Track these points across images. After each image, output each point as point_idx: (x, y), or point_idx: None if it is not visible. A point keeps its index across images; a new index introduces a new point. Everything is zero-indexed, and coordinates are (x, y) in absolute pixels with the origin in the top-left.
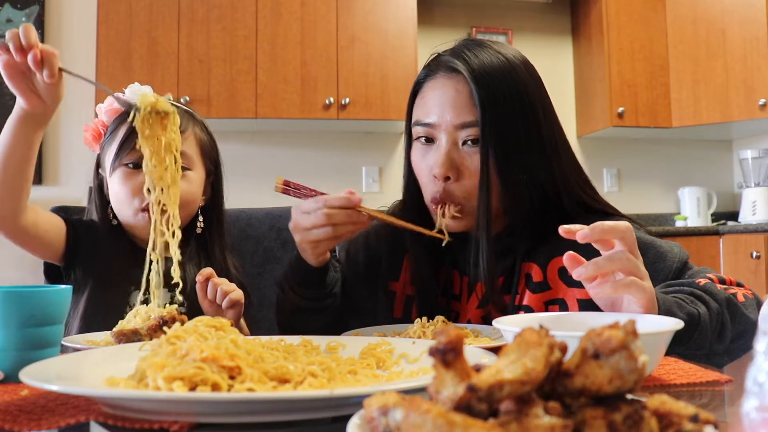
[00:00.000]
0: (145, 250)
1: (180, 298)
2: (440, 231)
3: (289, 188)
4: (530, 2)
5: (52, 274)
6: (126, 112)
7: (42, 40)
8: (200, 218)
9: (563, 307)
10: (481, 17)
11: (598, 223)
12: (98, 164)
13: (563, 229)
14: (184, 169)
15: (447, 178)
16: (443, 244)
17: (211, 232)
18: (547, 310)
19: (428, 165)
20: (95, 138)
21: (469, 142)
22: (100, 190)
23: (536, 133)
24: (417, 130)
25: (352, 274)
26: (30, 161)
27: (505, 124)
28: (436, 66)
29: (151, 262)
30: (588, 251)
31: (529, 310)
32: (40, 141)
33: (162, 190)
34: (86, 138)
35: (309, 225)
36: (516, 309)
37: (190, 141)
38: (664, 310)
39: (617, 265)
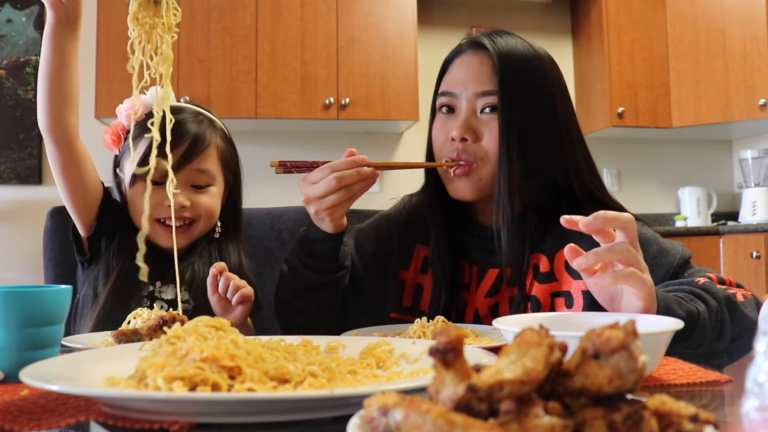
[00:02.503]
0: (163, 251)
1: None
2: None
3: (288, 167)
4: (530, 2)
5: (78, 242)
6: (146, 120)
7: (42, 40)
8: (218, 224)
9: (569, 299)
10: (481, 17)
11: (601, 212)
12: (116, 164)
13: (565, 219)
14: (206, 186)
15: (464, 140)
16: (452, 172)
17: (227, 234)
18: (553, 301)
19: (447, 130)
20: (114, 142)
21: (487, 109)
22: (117, 189)
23: (552, 117)
24: (441, 100)
25: (360, 263)
26: (66, 69)
27: (523, 99)
28: (465, 45)
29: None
30: (594, 244)
31: (535, 300)
32: (76, 54)
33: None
34: (105, 140)
35: (322, 193)
36: (524, 299)
37: (213, 157)
38: (663, 307)
39: (617, 255)
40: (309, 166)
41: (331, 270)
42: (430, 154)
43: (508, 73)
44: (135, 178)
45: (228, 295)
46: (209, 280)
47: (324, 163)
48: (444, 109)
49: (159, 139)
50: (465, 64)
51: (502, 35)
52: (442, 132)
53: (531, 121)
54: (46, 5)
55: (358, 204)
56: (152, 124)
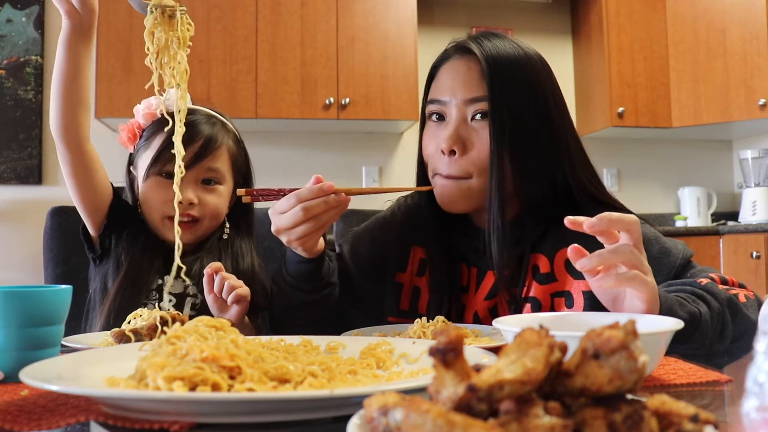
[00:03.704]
0: (173, 246)
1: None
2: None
3: (255, 195)
4: (530, 2)
5: (88, 241)
6: (161, 119)
7: (42, 40)
8: (227, 225)
9: (569, 299)
10: (481, 17)
11: (606, 213)
12: (130, 162)
13: (569, 220)
14: (215, 183)
15: (452, 153)
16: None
17: (239, 233)
18: (553, 301)
19: (437, 141)
20: (130, 140)
21: (478, 116)
22: (131, 187)
23: (546, 118)
24: (430, 108)
25: (356, 269)
26: (80, 75)
27: (515, 102)
28: (452, 50)
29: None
30: (595, 244)
31: (535, 301)
32: (89, 60)
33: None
34: (121, 138)
35: (290, 224)
36: (523, 300)
37: (224, 157)
38: (666, 308)
39: (621, 257)
40: (276, 194)
41: (315, 289)
42: (420, 164)
43: (497, 78)
44: (148, 173)
45: (223, 295)
46: (204, 279)
47: (291, 190)
48: (434, 117)
49: (183, 152)
50: (452, 70)
51: (489, 38)
52: (432, 141)
53: (523, 124)
54: (62, 13)
55: (357, 204)
56: (171, 128)
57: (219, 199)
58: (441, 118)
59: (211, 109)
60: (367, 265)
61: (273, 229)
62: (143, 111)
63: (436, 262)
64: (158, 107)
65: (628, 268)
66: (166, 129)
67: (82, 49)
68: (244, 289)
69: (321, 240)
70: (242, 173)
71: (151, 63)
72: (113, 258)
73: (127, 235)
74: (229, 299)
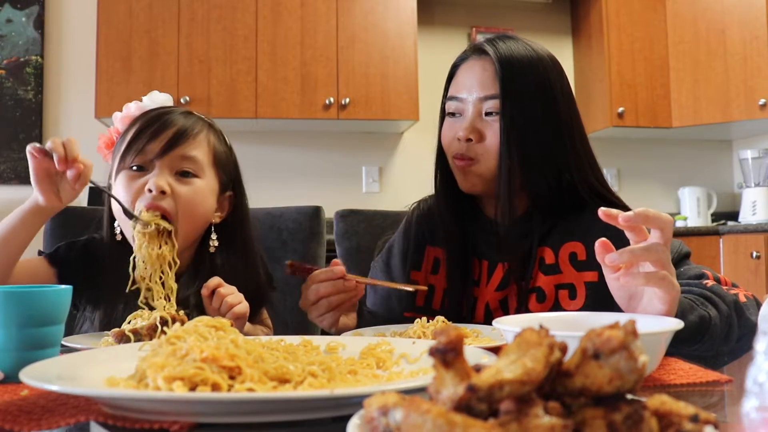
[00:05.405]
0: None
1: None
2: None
3: (295, 269)
4: (530, 2)
5: None
6: (136, 119)
7: (42, 40)
8: (213, 236)
9: (572, 291)
10: (481, 17)
11: (643, 209)
12: (110, 176)
13: (603, 212)
14: (190, 175)
15: (469, 140)
16: (415, 290)
17: (231, 248)
18: (557, 293)
19: (454, 131)
20: (107, 146)
21: (491, 113)
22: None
23: (554, 116)
24: (449, 105)
25: (390, 280)
26: (26, 245)
27: (525, 100)
28: (470, 51)
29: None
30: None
31: (540, 291)
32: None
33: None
34: (99, 147)
35: (307, 303)
36: (529, 291)
37: (202, 146)
38: (679, 312)
39: (653, 256)
40: (309, 270)
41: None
42: (440, 152)
43: (508, 78)
44: (119, 168)
45: (221, 313)
46: (204, 299)
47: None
48: (453, 113)
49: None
50: (469, 70)
51: (504, 40)
52: (450, 133)
53: (532, 121)
54: (41, 198)
55: (356, 204)
56: (144, 121)
57: (195, 193)
58: (459, 113)
59: (198, 114)
60: (400, 277)
61: (300, 303)
62: (122, 116)
63: (455, 257)
64: (138, 111)
65: (658, 267)
66: (137, 123)
67: (39, 224)
68: (241, 307)
69: (351, 320)
70: (228, 173)
71: (142, 279)
72: (84, 316)
73: (90, 296)
74: (226, 317)
